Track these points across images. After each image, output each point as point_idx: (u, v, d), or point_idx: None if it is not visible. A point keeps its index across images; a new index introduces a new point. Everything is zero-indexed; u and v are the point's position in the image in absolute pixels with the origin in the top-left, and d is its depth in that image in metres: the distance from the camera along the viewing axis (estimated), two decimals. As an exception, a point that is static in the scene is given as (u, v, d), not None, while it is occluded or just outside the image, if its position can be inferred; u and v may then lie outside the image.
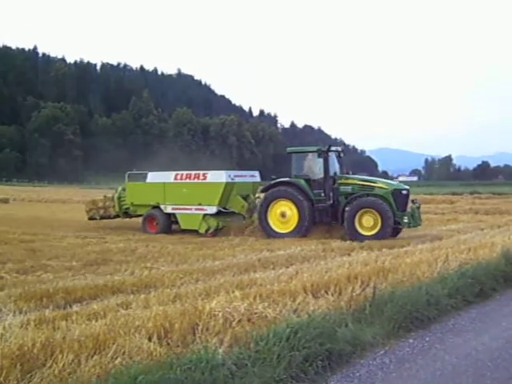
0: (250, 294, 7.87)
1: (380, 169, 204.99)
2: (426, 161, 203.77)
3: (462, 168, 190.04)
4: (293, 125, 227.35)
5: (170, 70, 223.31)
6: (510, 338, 7.19)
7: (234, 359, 5.30)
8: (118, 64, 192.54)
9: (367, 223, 18.47)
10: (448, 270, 9.89)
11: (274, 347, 5.50)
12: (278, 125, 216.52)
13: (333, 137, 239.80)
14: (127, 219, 23.91)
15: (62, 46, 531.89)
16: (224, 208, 20.83)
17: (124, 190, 23.36)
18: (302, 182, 19.53)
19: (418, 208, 19.68)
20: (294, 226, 19.28)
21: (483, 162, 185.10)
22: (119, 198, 23.14)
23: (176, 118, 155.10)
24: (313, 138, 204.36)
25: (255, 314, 6.81)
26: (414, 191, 23.89)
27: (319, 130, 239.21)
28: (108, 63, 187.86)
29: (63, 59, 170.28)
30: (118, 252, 14.90)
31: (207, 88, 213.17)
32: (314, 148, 20.23)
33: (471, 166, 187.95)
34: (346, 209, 18.66)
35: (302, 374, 5.48)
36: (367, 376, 5.75)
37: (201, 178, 21.19)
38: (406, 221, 18.48)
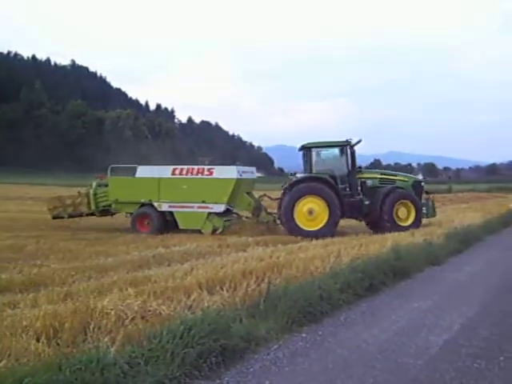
0: (144, 291, 7.79)
1: (276, 166, 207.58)
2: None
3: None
4: (190, 120, 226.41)
5: (64, 61, 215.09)
6: (398, 330, 7.43)
7: (127, 358, 5.18)
8: (9, 53, 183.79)
9: (402, 214, 19.36)
10: (340, 265, 10.14)
11: (167, 345, 5.43)
12: (176, 120, 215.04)
13: (230, 133, 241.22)
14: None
15: None
16: (230, 206, 19.86)
17: (100, 185, 21.61)
18: (330, 177, 19.27)
19: (433, 199, 21.21)
20: (324, 222, 18.65)
21: (375, 160, 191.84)
22: (95, 194, 21.28)
23: (70, 111, 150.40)
24: (211, 134, 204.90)
25: (149, 311, 6.74)
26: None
27: (217, 126, 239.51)
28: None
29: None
30: (6, 249, 14.23)
31: (103, 80, 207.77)
32: (341, 142, 19.88)
33: (364, 163, 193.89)
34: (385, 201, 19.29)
35: (195, 371, 5.44)
36: (261, 371, 5.77)
37: (205, 173, 19.72)
38: (424, 211, 19.91)
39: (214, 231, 19.12)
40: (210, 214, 19.41)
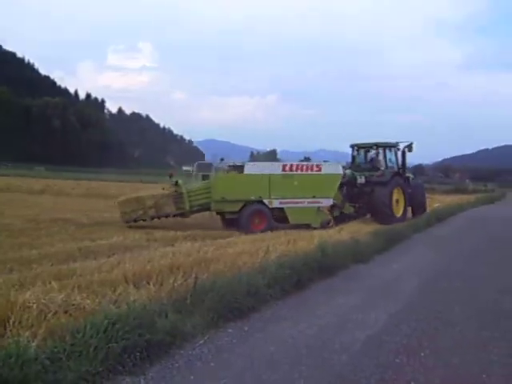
0: (69, 284, 7.62)
1: (206, 159, 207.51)
2: (252, 154, 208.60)
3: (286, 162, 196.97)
4: (120, 111, 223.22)
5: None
6: (323, 325, 7.52)
7: (48, 353, 5.04)
8: None
9: None
10: (268, 261, 10.17)
11: (90, 339, 5.31)
12: (106, 110, 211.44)
13: (161, 126, 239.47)
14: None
15: None
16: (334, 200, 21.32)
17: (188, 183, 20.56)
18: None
19: None
20: (402, 210, 22.80)
21: (305, 158, 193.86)
22: (188, 192, 19.81)
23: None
24: (141, 126, 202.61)
25: (73, 305, 6.58)
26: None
27: (147, 118, 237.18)
28: None
29: None
30: None
31: (30, 67, 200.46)
32: (394, 143, 23.81)
33: (294, 160, 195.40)
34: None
35: (119, 367, 5.36)
36: (186, 366, 5.74)
37: (315, 169, 20.32)
38: None
39: (327, 223, 20.44)
40: (318, 208, 20.42)
